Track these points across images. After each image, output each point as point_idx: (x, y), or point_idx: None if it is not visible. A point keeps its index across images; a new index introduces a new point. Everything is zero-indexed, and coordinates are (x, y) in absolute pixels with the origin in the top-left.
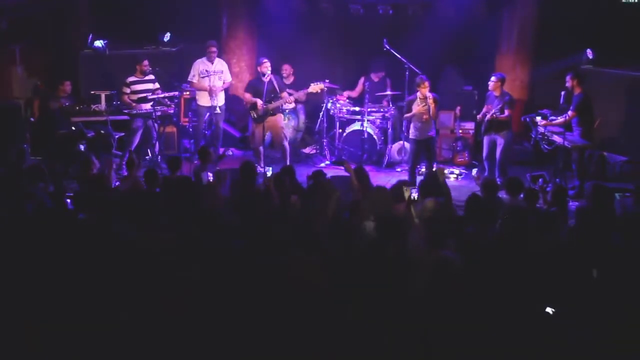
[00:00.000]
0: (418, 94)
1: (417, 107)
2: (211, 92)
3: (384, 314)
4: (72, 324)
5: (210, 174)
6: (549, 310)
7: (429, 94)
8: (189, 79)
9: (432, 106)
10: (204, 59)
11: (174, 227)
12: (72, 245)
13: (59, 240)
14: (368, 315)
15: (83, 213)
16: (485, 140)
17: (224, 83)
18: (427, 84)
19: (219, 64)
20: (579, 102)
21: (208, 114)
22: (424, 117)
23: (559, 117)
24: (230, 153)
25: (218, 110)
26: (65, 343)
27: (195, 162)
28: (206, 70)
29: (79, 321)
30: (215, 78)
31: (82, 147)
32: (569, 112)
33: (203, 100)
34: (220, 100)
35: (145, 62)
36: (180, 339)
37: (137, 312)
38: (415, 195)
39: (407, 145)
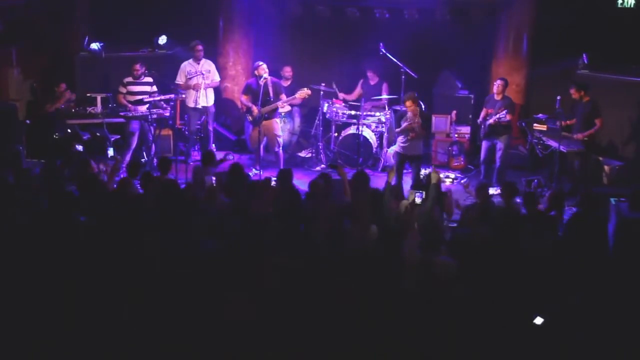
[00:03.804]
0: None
1: (405, 123)
2: (196, 88)
3: (380, 317)
4: (71, 326)
5: (213, 178)
6: (538, 320)
7: (410, 114)
8: (175, 82)
9: (416, 126)
10: (190, 61)
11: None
12: (72, 247)
13: (55, 243)
14: (364, 318)
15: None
16: (484, 144)
17: (211, 82)
18: (409, 102)
19: (206, 64)
20: (595, 108)
21: (203, 117)
22: (410, 134)
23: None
24: (232, 157)
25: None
26: (65, 344)
27: (197, 164)
28: (194, 71)
29: (78, 322)
30: (200, 78)
31: (78, 148)
32: (596, 122)
33: (190, 101)
34: (209, 100)
35: (136, 67)
36: (175, 340)
37: (136, 313)
38: (419, 199)
39: None
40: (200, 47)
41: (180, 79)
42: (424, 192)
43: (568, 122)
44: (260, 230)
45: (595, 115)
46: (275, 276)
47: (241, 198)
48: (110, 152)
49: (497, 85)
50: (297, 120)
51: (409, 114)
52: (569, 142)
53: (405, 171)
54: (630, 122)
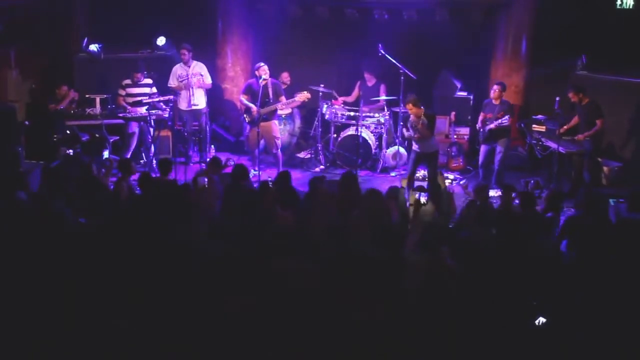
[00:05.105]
0: None
1: (407, 132)
2: (186, 87)
3: (379, 318)
4: (71, 328)
5: (205, 179)
6: (540, 320)
7: (412, 117)
8: (168, 84)
9: (419, 127)
10: (181, 64)
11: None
12: (70, 249)
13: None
14: (364, 319)
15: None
16: (483, 148)
17: (202, 83)
18: (409, 105)
19: (197, 67)
20: (596, 109)
21: (203, 117)
22: (415, 135)
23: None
24: (232, 162)
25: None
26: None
27: (196, 165)
28: (185, 75)
29: (78, 323)
30: (193, 81)
31: (68, 152)
32: (597, 122)
33: (183, 104)
34: (200, 102)
35: (137, 75)
36: (177, 342)
37: (136, 316)
38: (424, 199)
39: (401, 150)
40: (183, 51)
41: (172, 82)
42: (428, 193)
43: (565, 127)
44: (263, 230)
45: (596, 115)
46: (276, 277)
47: (247, 199)
48: (106, 154)
49: (494, 91)
50: (297, 121)
51: (412, 117)
52: (569, 143)
53: (405, 173)
54: (629, 123)
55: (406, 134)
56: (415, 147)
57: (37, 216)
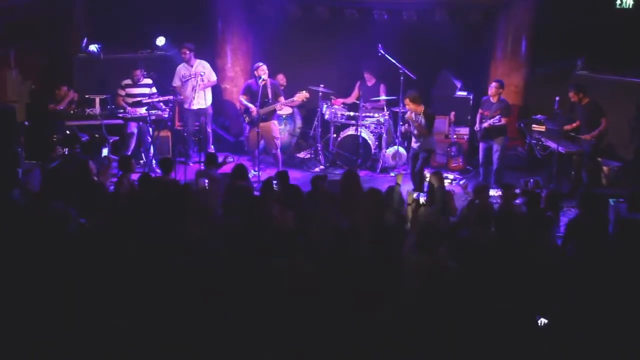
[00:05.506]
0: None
1: (405, 126)
2: (186, 97)
3: (379, 318)
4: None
5: (206, 180)
6: (541, 320)
7: (409, 113)
8: (172, 84)
9: (416, 125)
10: (184, 64)
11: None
12: (71, 249)
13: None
14: (363, 320)
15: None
16: (481, 146)
17: (207, 82)
18: (407, 100)
19: (200, 66)
20: (596, 108)
21: (202, 118)
22: (414, 132)
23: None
24: (231, 159)
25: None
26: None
27: (196, 165)
28: (189, 74)
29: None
30: (196, 81)
31: (64, 150)
32: (602, 121)
33: (186, 103)
34: (206, 102)
35: (136, 72)
36: (176, 343)
37: (136, 316)
38: (422, 199)
39: (401, 150)
40: (184, 50)
41: (175, 82)
42: (427, 193)
43: (568, 126)
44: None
45: (599, 115)
46: (276, 277)
47: (247, 200)
48: (105, 152)
49: (491, 88)
50: (298, 121)
51: (408, 114)
52: (569, 143)
53: (405, 172)
54: (628, 122)
55: (403, 128)
56: (413, 144)
57: (37, 216)
